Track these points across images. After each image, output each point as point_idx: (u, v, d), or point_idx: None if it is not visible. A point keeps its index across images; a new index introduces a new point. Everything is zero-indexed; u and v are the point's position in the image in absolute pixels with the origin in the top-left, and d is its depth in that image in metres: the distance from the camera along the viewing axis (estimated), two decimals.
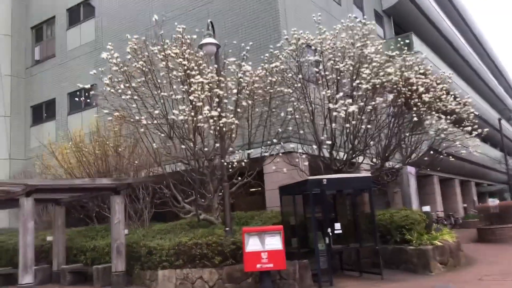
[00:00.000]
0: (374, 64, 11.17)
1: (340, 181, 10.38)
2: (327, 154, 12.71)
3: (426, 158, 14.57)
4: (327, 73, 11.25)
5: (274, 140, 11.86)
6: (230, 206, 12.77)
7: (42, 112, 23.61)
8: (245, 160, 11.37)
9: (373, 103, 11.06)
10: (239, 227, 11.65)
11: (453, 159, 16.00)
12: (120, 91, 10.18)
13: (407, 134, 14.11)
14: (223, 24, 16.02)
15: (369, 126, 11.29)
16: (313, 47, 11.98)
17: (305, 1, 17.08)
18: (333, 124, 11.61)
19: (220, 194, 11.92)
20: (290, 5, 15.81)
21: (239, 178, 11.51)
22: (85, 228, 15.54)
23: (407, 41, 15.15)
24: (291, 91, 11.50)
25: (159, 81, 10.05)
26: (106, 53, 10.11)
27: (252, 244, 9.00)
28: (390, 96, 11.10)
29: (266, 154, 12.36)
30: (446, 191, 31.62)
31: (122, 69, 9.96)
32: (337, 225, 10.01)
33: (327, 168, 12.86)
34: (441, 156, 16.17)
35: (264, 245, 8.96)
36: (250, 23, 15.68)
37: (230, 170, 11.17)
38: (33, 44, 24.77)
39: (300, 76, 11.65)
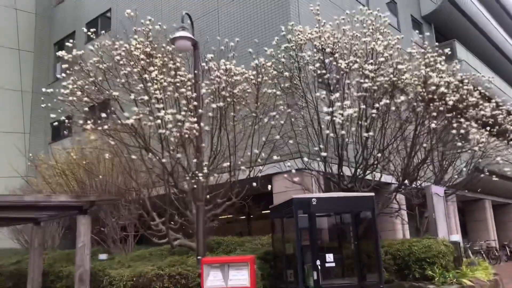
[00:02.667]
0: (382, 59, 9.17)
1: (335, 201, 8.38)
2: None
3: (459, 178, 12.23)
4: (323, 71, 9.35)
5: (275, 157, 10.06)
6: (219, 230, 11.12)
7: (61, 129, 23.07)
8: (232, 178, 9.62)
9: (377, 105, 9.02)
10: (224, 255, 9.94)
11: (496, 178, 13.49)
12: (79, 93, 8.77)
13: (438, 147, 11.88)
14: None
15: (370, 133, 9.20)
16: (315, 43, 10.12)
17: (327, 4, 15.33)
18: (341, 133, 9.64)
19: (207, 216, 10.25)
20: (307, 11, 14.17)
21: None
22: (74, 251, 14.24)
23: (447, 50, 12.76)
24: (279, 94, 9.63)
25: (118, 80, 8.54)
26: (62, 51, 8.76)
27: (212, 279, 7.20)
28: (402, 98, 9.02)
29: (267, 169, 10.59)
30: (500, 218, 28.14)
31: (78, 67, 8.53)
32: (329, 256, 7.99)
33: (338, 187, 10.90)
34: (482, 175, 13.71)
35: (227, 280, 7.13)
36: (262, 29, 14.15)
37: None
38: (55, 60, 24.46)
39: (294, 76, 9.80)
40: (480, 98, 12.29)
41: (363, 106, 8.90)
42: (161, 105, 7.93)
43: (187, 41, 9.00)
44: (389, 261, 9.92)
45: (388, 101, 8.91)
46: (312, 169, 11.11)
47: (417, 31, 20.98)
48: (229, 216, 18.04)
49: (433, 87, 9.47)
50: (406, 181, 12.74)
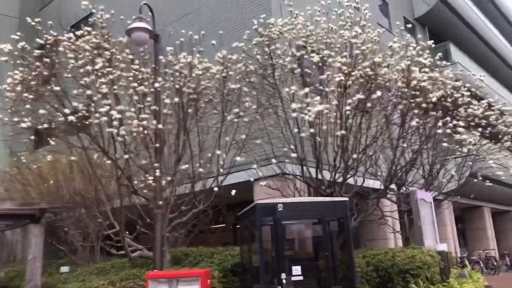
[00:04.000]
0: (357, 51, 8.38)
1: (304, 206, 7.55)
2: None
3: (449, 183, 11.39)
4: (294, 65, 8.56)
5: (239, 158, 9.20)
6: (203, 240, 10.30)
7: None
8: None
9: (350, 101, 8.19)
10: (191, 267, 9.09)
11: (490, 183, 12.62)
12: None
13: (427, 149, 11.05)
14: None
15: (342, 131, 8.36)
16: (285, 35, 9.29)
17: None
18: (310, 131, 8.75)
19: (172, 225, 9.45)
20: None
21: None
22: (48, 262, 13.40)
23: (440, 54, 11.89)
24: (247, 90, 8.80)
25: (68, 75, 7.73)
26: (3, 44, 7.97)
27: None
28: (378, 93, 8.20)
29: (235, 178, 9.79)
30: (500, 226, 27.15)
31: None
32: (296, 269, 7.14)
33: (317, 192, 10.08)
34: (475, 180, 12.85)
35: None
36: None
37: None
38: None
39: (267, 72, 9.01)
40: (470, 97, 11.52)
41: (335, 102, 8.08)
42: (109, 101, 7.13)
43: (145, 33, 8.25)
44: (371, 273, 9.06)
45: (363, 97, 8.09)
46: (288, 173, 10.29)
47: (408, 35, 20.27)
48: (217, 225, 17.27)
49: (415, 82, 8.67)
50: (393, 186, 11.97)
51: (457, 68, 19.14)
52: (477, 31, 24.97)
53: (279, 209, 7.22)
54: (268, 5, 13.07)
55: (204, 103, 8.37)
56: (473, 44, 25.16)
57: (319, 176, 9.96)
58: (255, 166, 8.98)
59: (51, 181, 9.99)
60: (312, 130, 8.08)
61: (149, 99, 7.55)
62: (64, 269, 10.79)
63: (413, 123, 8.94)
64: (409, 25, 20.18)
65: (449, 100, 9.57)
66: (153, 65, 8.21)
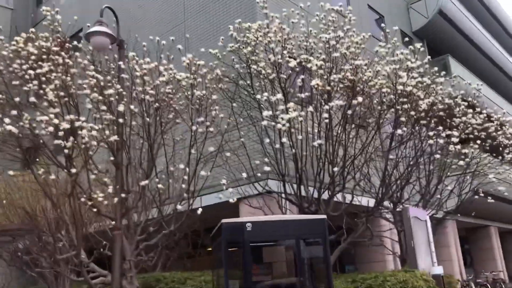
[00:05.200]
0: (336, 54, 7.64)
1: (276, 225, 6.72)
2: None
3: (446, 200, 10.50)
4: (269, 71, 7.82)
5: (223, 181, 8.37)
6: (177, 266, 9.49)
7: None
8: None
9: (326, 107, 7.41)
10: None
11: (492, 200, 11.74)
12: None
13: (421, 162, 10.22)
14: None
15: (319, 141, 7.54)
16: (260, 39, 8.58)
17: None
18: (283, 140, 7.92)
19: (139, 248, 8.62)
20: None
21: None
22: None
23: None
24: (216, 97, 8.02)
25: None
26: None
27: None
28: (359, 99, 7.42)
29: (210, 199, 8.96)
30: (509, 245, 25.94)
31: None
32: None
33: (302, 210, 9.24)
34: (476, 197, 11.98)
35: None
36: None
37: None
38: None
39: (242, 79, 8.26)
40: (467, 107, 10.76)
41: (310, 109, 7.31)
42: (56, 110, 6.42)
43: (105, 38, 7.60)
44: None
45: (342, 103, 7.33)
46: (271, 191, 9.49)
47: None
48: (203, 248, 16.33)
49: (401, 87, 7.91)
50: (386, 204, 11.11)
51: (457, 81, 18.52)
52: (476, 43, 24.34)
53: (247, 229, 6.42)
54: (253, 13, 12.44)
55: (169, 112, 7.62)
56: (472, 56, 24.49)
57: (303, 193, 9.15)
58: (223, 181, 8.13)
59: (4, 201, 9.20)
60: (284, 140, 7.29)
61: (104, 108, 6.82)
62: None
63: (399, 131, 8.14)
64: (407, 39, 19.58)
65: (440, 107, 8.76)
66: (116, 72, 7.54)
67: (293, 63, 7.73)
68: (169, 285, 8.90)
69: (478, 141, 10.81)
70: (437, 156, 9.09)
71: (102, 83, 6.77)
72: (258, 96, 7.72)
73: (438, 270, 8.33)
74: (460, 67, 21.64)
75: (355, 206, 10.03)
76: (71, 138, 6.35)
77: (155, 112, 7.44)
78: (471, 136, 11.17)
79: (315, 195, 9.02)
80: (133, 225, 8.75)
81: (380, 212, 10.15)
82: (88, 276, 8.58)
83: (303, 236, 6.69)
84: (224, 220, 6.56)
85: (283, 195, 9.18)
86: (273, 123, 7.32)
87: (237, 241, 6.45)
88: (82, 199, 6.86)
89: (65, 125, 6.32)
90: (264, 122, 7.26)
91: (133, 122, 7.63)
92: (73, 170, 6.38)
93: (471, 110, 9.86)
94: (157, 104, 7.25)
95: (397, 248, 13.61)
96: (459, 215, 12.47)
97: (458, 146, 8.95)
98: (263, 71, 7.89)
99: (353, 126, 8.31)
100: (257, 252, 6.91)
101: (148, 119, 7.15)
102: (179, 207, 7.80)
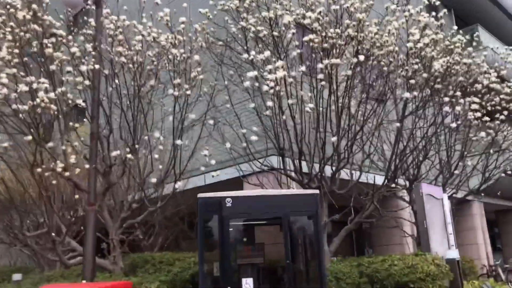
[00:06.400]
0: (335, 7, 6.63)
1: (260, 201, 5.90)
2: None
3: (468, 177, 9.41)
4: (260, 28, 6.87)
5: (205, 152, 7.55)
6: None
7: None
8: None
9: (320, 66, 6.42)
10: (145, 276, 7.63)
11: None
12: None
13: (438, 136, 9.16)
14: None
15: (310, 105, 6.56)
16: None
17: None
18: (268, 104, 6.95)
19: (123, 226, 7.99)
20: None
21: None
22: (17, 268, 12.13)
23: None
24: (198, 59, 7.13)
25: None
26: None
27: None
28: (361, 58, 6.42)
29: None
30: None
31: None
32: (247, 282, 5.51)
33: (303, 187, 8.35)
34: (503, 175, 10.86)
35: None
36: None
37: None
38: None
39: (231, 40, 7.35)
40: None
41: (302, 68, 6.34)
42: (13, 70, 5.71)
43: None
44: (365, 286, 7.35)
45: (339, 62, 6.34)
46: (269, 166, 8.63)
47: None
48: None
49: (410, 44, 6.87)
50: (401, 181, 10.13)
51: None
52: (509, 12, 22.64)
53: (226, 205, 5.63)
54: None
55: (148, 76, 6.82)
56: (508, 29, 22.80)
57: (306, 169, 8.27)
58: (205, 152, 7.28)
59: None
60: (270, 103, 6.38)
61: (69, 68, 6.07)
62: (16, 276, 9.46)
63: (407, 94, 7.10)
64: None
65: (456, 69, 7.64)
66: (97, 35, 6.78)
67: (287, 18, 6.75)
68: (156, 266, 8.20)
69: (505, 112, 9.67)
70: (453, 125, 8.01)
71: (65, 41, 6.00)
72: (245, 55, 6.80)
73: (453, 254, 7.36)
74: (491, 38, 20.15)
75: (366, 185, 9.12)
76: (29, 102, 5.64)
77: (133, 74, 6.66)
78: (498, 107, 10.06)
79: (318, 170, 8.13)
80: (118, 202, 8.13)
81: (393, 190, 9.17)
82: (68, 255, 8.04)
83: (292, 213, 5.85)
84: (200, 195, 5.78)
85: (281, 171, 8.31)
86: (246, 83, 6.39)
87: (214, 219, 5.67)
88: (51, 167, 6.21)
89: (24, 87, 5.63)
90: (247, 83, 6.35)
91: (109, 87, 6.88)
92: (29, 138, 5.66)
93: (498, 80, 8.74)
94: (131, 65, 6.45)
95: (415, 230, 12.65)
96: (482, 194, 11.34)
97: (478, 114, 7.84)
98: (253, 28, 6.94)
99: (358, 91, 7.31)
100: (239, 231, 6.12)
101: (117, 81, 6.36)
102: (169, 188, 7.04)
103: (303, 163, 8.25)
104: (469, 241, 16.56)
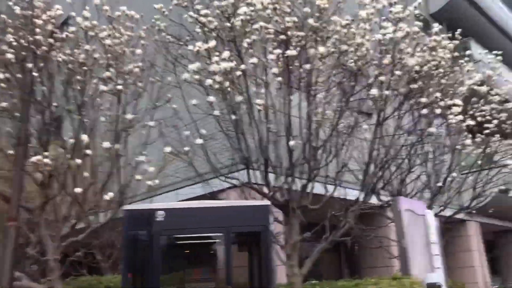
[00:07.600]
0: None
1: (199, 214, 4.98)
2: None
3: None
4: (211, 19, 6.05)
5: None
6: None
7: None
8: None
9: (271, 56, 5.58)
10: None
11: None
12: None
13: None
14: None
15: (260, 101, 5.67)
16: None
17: None
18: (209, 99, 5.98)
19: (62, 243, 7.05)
20: None
21: None
22: None
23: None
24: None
25: None
26: None
27: None
28: (321, 49, 5.57)
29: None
30: None
31: None
32: None
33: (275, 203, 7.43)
34: (492, 193, 9.98)
35: None
36: None
37: None
38: None
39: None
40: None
41: (254, 60, 5.50)
42: None
43: None
44: None
45: (294, 52, 5.49)
46: (235, 178, 7.72)
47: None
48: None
49: (379, 36, 6.06)
50: (384, 198, 9.24)
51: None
52: (501, 27, 22.11)
53: (157, 218, 4.72)
54: None
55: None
56: (496, 41, 22.20)
57: (273, 182, 7.36)
58: (142, 158, 6.35)
59: None
60: (212, 98, 5.51)
61: None
62: None
63: (374, 91, 6.23)
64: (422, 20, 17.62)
65: (432, 65, 6.79)
66: None
67: (243, 9, 5.94)
68: None
69: (495, 121, 8.87)
70: (432, 129, 7.14)
71: None
72: (191, 47, 5.96)
73: (435, 277, 6.43)
74: (483, 51, 19.57)
75: (344, 200, 8.21)
76: None
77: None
78: (488, 117, 9.28)
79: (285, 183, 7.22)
80: (60, 218, 7.21)
81: (371, 206, 8.26)
82: None
83: (237, 227, 4.93)
84: (126, 207, 4.89)
85: (245, 184, 7.41)
86: (185, 75, 5.50)
87: (143, 235, 4.75)
88: None
89: None
90: (186, 75, 5.49)
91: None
92: None
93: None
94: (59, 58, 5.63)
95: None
96: (474, 212, 10.43)
97: (460, 117, 6.98)
98: (203, 19, 6.13)
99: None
100: (174, 250, 5.19)
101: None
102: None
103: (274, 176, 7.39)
104: (464, 263, 15.59)
